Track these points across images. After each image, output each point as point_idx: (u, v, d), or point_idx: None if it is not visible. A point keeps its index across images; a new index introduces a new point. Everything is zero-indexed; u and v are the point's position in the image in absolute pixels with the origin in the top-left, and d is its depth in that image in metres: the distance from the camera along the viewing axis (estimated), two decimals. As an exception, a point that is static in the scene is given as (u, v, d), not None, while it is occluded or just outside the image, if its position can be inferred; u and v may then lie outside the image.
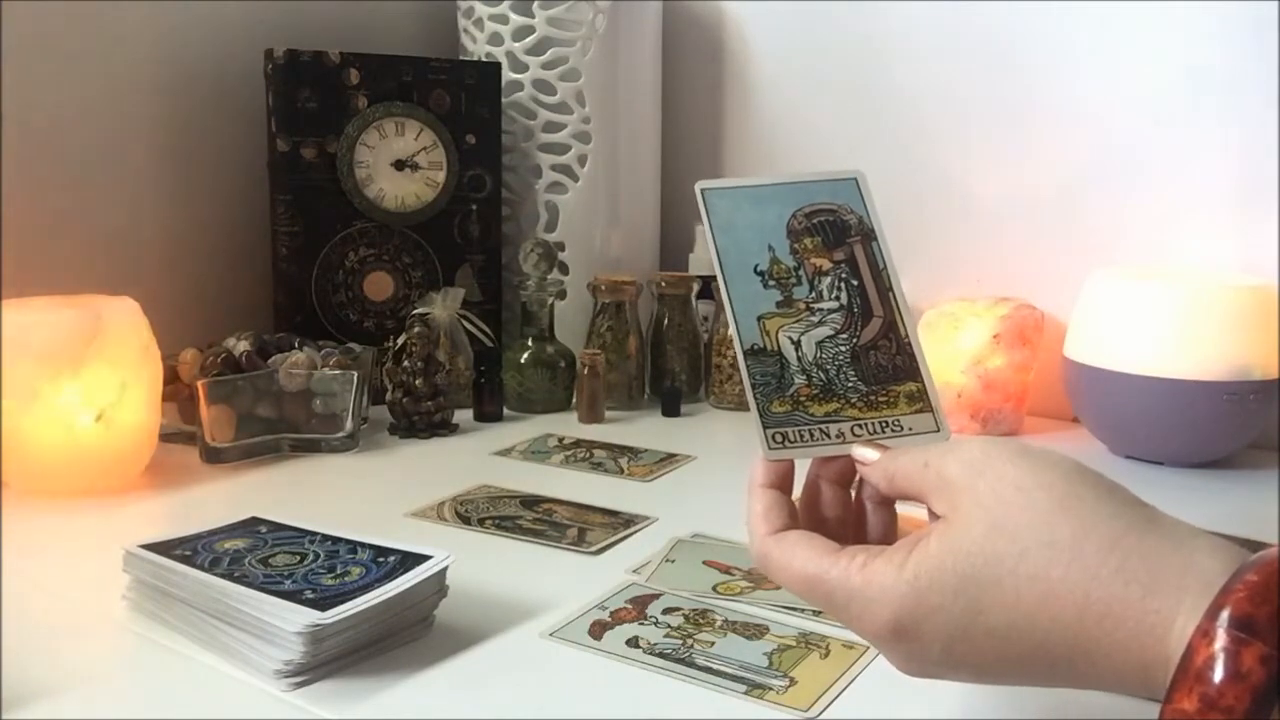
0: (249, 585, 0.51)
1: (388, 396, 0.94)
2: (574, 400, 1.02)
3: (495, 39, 1.11)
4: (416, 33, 1.21)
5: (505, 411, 1.01)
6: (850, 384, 0.44)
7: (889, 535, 0.44)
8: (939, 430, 0.44)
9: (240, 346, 0.89)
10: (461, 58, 1.15)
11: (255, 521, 0.61)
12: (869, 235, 0.47)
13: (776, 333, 0.45)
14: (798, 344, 0.45)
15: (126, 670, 0.51)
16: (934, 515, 0.39)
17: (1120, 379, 0.86)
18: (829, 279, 0.46)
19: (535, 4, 1.08)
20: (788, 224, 0.47)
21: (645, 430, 0.98)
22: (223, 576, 0.52)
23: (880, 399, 0.44)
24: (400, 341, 0.95)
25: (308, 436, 0.87)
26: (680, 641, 0.53)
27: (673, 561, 0.64)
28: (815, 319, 0.45)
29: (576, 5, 1.08)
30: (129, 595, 0.56)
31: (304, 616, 0.48)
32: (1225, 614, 0.31)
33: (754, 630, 0.55)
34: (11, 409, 0.73)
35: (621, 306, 1.05)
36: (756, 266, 0.46)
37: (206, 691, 0.48)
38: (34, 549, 0.66)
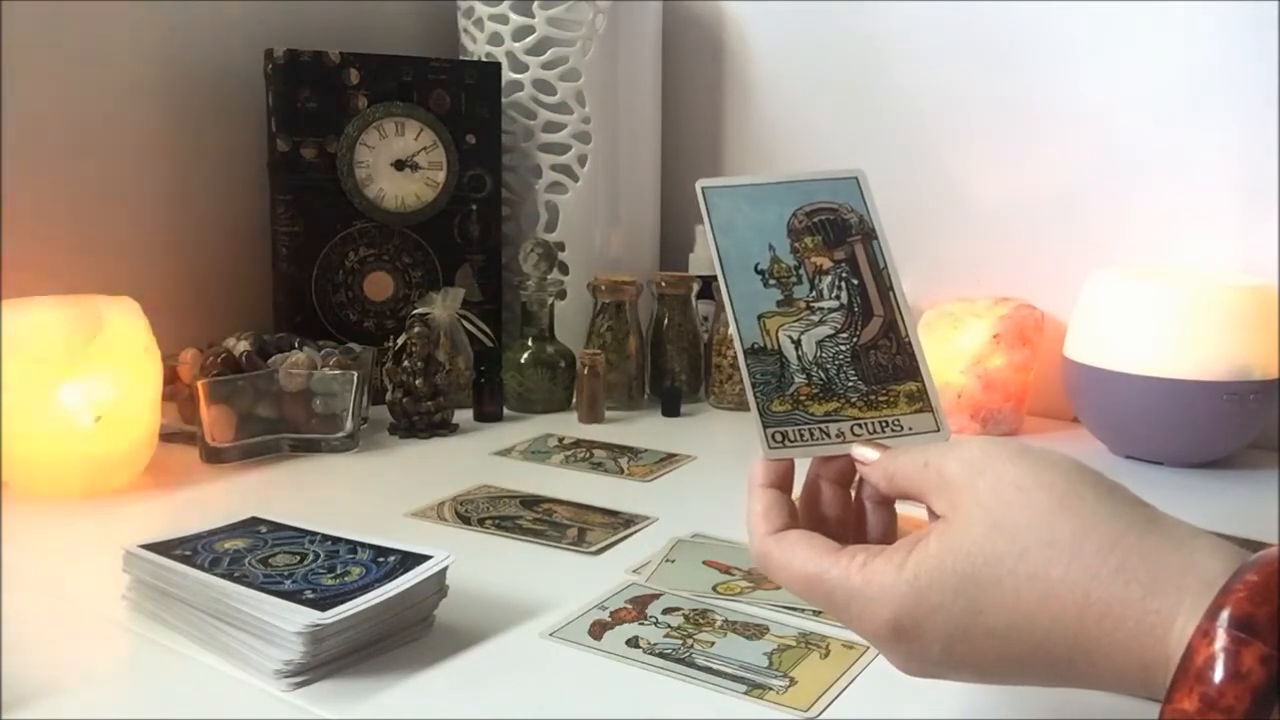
0: (249, 585, 0.51)
1: (388, 396, 0.94)
2: (574, 400, 1.02)
3: (495, 39, 1.11)
4: (416, 33, 1.21)
5: (505, 411, 1.01)
6: (850, 383, 0.44)
7: (889, 535, 0.44)
8: (939, 430, 0.44)
9: (240, 346, 0.89)
10: (461, 58, 1.15)
11: (255, 521, 0.61)
12: (869, 234, 0.47)
13: (777, 332, 0.45)
14: (798, 343, 0.45)
15: (126, 670, 0.51)
16: (934, 515, 0.39)
17: (1120, 379, 0.86)
18: (829, 278, 0.46)
19: (535, 4, 1.08)
20: (788, 223, 0.47)
21: (645, 430, 0.98)
22: (223, 576, 0.52)
23: (880, 398, 0.44)
24: (400, 341, 0.95)
25: (308, 436, 0.87)
26: (680, 641, 0.53)
27: (673, 561, 0.64)
28: (815, 318, 0.45)
29: (576, 5, 1.08)
30: (129, 595, 0.56)
31: (304, 616, 0.48)
32: (1225, 614, 0.31)
33: (754, 630, 0.55)
34: (11, 409, 0.73)
35: (621, 306, 1.05)
36: (757, 265, 0.46)
37: (206, 691, 0.48)
38: (34, 549, 0.66)
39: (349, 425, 0.88)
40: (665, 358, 1.08)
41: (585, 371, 0.99)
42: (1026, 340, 0.95)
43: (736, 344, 0.44)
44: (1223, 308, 0.83)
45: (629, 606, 0.58)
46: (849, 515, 0.45)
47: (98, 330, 0.74)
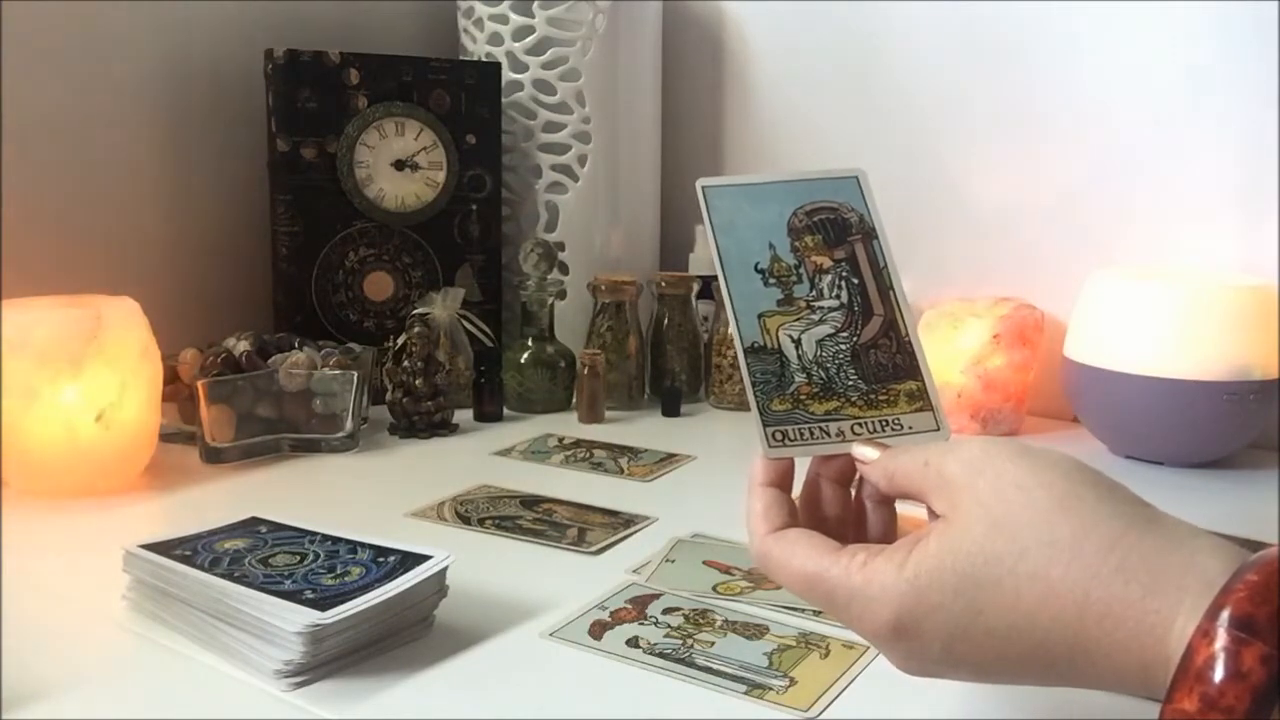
0: (249, 585, 0.51)
1: (388, 396, 0.94)
2: (574, 400, 1.02)
3: (495, 39, 1.11)
4: (416, 33, 1.21)
5: (505, 411, 1.01)
6: (850, 382, 0.44)
7: (889, 534, 0.44)
8: (939, 429, 0.44)
9: (240, 346, 0.89)
10: (461, 58, 1.15)
11: (255, 521, 0.61)
12: (870, 234, 0.47)
13: (777, 331, 0.45)
14: (798, 342, 0.45)
15: (126, 670, 0.51)
16: (933, 514, 0.39)
17: (1120, 379, 0.86)
18: (829, 277, 0.46)
19: (535, 4, 1.08)
20: (789, 222, 0.47)
21: (645, 430, 0.98)
22: (223, 576, 0.52)
23: (880, 397, 0.44)
24: (400, 341, 0.95)
25: (308, 436, 0.87)
26: (680, 641, 0.53)
27: (673, 561, 0.64)
28: (816, 317, 0.45)
29: (576, 5, 1.08)
30: (129, 595, 0.56)
31: (304, 616, 0.48)
32: (1226, 614, 0.31)
33: (754, 630, 0.55)
34: (11, 409, 0.73)
35: (621, 306, 1.05)
36: (757, 264, 0.46)
37: (206, 691, 0.48)
38: (34, 549, 0.66)
39: (349, 425, 0.88)
40: (665, 358, 1.08)
41: (585, 371, 0.99)
42: (1026, 340, 0.95)
43: (737, 343, 0.44)
44: (1223, 308, 0.83)
45: (629, 606, 0.58)
46: (849, 514, 0.45)
47: (98, 330, 0.74)
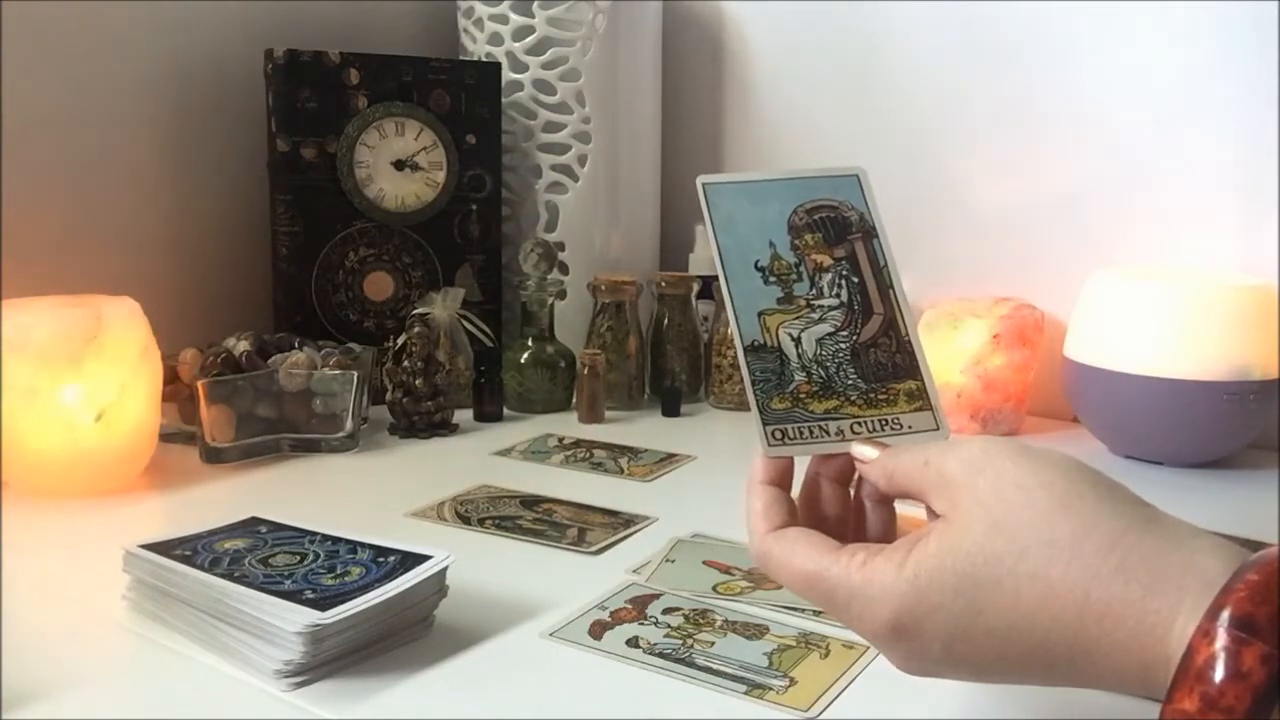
0: (249, 585, 0.51)
1: (388, 396, 0.94)
2: (574, 400, 1.02)
3: (495, 39, 1.11)
4: (416, 33, 1.21)
5: (505, 411, 1.01)
6: (850, 381, 0.44)
7: (888, 533, 0.44)
8: (939, 428, 0.44)
9: (240, 346, 0.89)
10: (461, 58, 1.15)
11: (255, 521, 0.61)
12: (870, 232, 0.47)
13: (777, 329, 0.45)
14: (798, 341, 0.45)
15: (126, 670, 0.51)
16: (933, 514, 0.39)
17: (1120, 379, 0.86)
18: (830, 276, 0.46)
19: (535, 4, 1.08)
20: (789, 220, 0.46)
21: (645, 430, 0.97)
22: (223, 576, 0.52)
23: (880, 397, 0.44)
24: (400, 341, 0.95)
25: (308, 436, 0.87)
26: (680, 641, 0.53)
27: (673, 561, 0.64)
28: (816, 316, 0.45)
29: (576, 5, 1.08)
30: (129, 595, 0.56)
31: (304, 616, 0.48)
32: (1226, 614, 0.31)
33: (754, 630, 0.55)
34: (11, 409, 0.73)
35: (621, 306, 1.05)
36: (757, 262, 0.46)
37: (206, 691, 0.48)
38: (34, 549, 0.66)
39: (349, 425, 0.88)
40: (665, 358, 1.08)
41: (585, 371, 0.99)
42: (1026, 340, 0.95)
43: (736, 341, 0.44)
44: (1223, 308, 0.83)
45: (629, 606, 0.58)
46: (848, 514, 0.44)
47: (98, 330, 0.74)
